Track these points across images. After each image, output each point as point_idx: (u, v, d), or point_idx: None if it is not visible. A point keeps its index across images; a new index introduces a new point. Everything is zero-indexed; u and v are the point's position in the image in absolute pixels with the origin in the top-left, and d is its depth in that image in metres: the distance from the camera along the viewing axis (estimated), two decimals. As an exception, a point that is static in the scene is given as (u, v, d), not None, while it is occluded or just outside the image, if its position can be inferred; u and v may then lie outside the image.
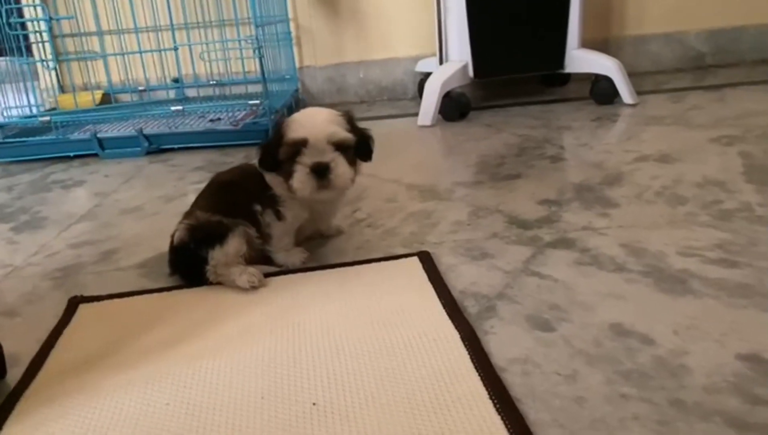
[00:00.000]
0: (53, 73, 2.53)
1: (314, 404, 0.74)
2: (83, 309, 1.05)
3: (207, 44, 2.49)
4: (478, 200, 1.35)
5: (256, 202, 1.10)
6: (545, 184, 1.41)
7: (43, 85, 2.62)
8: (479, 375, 0.76)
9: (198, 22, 2.49)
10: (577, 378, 0.74)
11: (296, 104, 2.39)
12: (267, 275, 1.07)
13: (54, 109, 2.47)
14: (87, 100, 2.43)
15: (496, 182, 1.45)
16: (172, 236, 1.10)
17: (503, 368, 0.77)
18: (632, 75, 2.08)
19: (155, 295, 1.08)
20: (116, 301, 1.07)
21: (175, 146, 2.11)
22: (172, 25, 2.22)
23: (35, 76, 2.59)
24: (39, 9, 2.39)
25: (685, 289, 0.91)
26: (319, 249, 1.19)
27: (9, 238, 1.43)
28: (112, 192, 1.72)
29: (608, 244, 1.07)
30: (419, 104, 2.11)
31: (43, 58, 2.42)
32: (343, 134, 1.02)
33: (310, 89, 2.62)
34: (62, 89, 2.65)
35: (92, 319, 1.01)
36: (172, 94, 2.59)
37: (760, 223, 1.09)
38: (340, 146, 1.01)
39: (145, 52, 2.37)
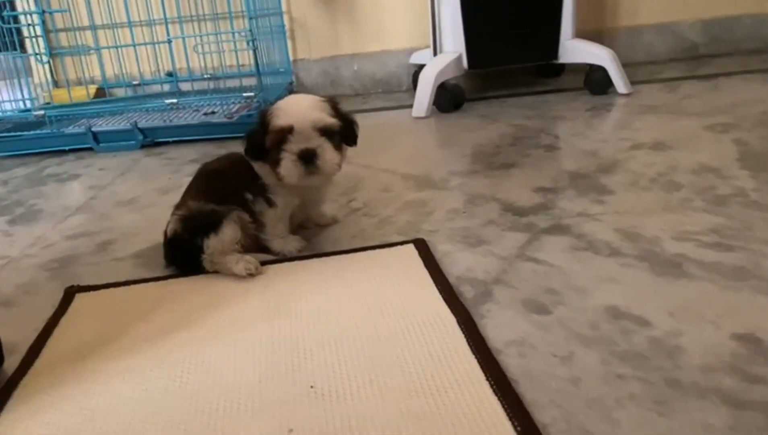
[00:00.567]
0: (47, 66, 2.52)
1: (312, 387, 0.74)
2: (80, 298, 1.05)
3: (201, 36, 2.49)
4: (474, 189, 1.35)
5: (246, 190, 1.10)
6: (540, 172, 1.41)
7: (36, 80, 2.61)
8: (476, 358, 0.76)
9: (192, 16, 2.48)
10: (573, 359, 0.74)
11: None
12: (263, 263, 1.07)
13: (48, 103, 2.46)
14: (81, 94, 2.43)
15: (492, 171, 1.46)
16: (166, 229, 1.10)
17: (500, 350, 0.78)
18: (626, 65, 2.08)
19: (152, 284, 1.08)
20: (113, 290, 1.07)
21: (170, 139, 2.11)
22: (165, 18, 2.22)
23: (29, 71, 2.58)
24: (32, 2, 2.38)
25: (681, 272, 0.92)
26: (314, 238, 1.19)
27: (5, 231, 1.43)
28: (108, 185, 1.72)
29: (603, 229, 1.08)
30: (414, 96, 2.11)
31: (37, 52, 2.41)
32: (329, 120, 1.02)
33: (305, 82, 2.62)
34: (56, 84, 2.64)
35: (89, 308, 1.01)
36: (166, 88, 2.58)
37: (755, 207, 1.10)
38: (325, 132, 1.01)
39: (139, 45, 2.36)
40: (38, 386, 0.81)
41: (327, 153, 1.02)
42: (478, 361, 0.75)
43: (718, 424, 0.62)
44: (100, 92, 2.54)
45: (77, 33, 2.51)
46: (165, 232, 1.11)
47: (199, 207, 1.08)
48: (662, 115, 1.77)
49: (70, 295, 1.06)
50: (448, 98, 2.07)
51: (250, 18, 1.96)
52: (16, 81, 2.30)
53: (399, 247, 1.10)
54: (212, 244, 1.04)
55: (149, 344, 0.88)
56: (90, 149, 2.13)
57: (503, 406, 0.67)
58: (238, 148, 1.13)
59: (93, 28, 2.37)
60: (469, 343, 0.79)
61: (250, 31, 1.96)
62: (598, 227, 1.09)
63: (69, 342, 0.91)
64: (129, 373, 0.81)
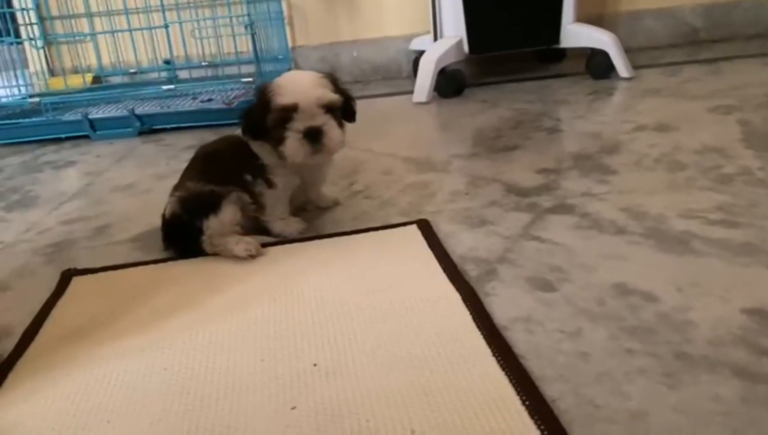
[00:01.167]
0: (42, 52, 2.50)
1: (315, 365, 0.73)
2: (77, 281, 1.03)
3: (198, 21, 2.46)
4: (476, 171, 1.33)
5: (245, 172, 1.08)
6: (543, 154, 1.40)
7: (32, 69, 2.58)
8: (481, 334, 0.75)
9: (189, 1, 2.45)
10: (581, 335, 0.73)
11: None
12: (264, 245, 1.06)
13: (44, 92, 2.44)
14: (78, 82, 2.41)
15: (494, 154, 1.44)
16: (164, 212, 1.09)
17: (505, 327, 0.76)
18: (627, 51, 2.06)
19: (150, 266, 1.06)
20: (110, 273, 1.05)
21: (168, 126, 2.09)
22: (162, 4, 2.19)
23: (24, 62, 2.56)
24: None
25: (687, 249, 0.90)
26: (315, 220, 1.17)
27: (0, 217, 1.41)
28: (104, 171, 1.70)
29: (608, 208, 1.06)
30: (414, 83, 2.09)
31: (31, 37, 2.39)
32: (332, 96, 1.00)
33: (303, 69, 2.59)
34: (52, 73, 2.62)
35: (86, 290, 1.00)
36: (163, 76, 2.56)
37: (761, 185, 1.08)
38: (329, 108, 1.00)
39: (135, 30, 2.34)
40: (34, 368, 0.80)
41: (332, 130, 1.00)
42: (484, 337, 0.74)
43: (729, 396, 0.61)
44: (97, 81, 2.52)
45: (73, 20, 2.48)
46: (163, 215, 1.09)
47: (198, 188, 1.06)
48: (664, 98, 1.75)
49: (66, 278, 1.04)
50: (448, 83, 2.05)
51: (248, 2, 1.94)
52: (11, 70, 2.28)
53: (401, 227, 1.09)
54: (212, 225, 1.03)
55: (148, 326, 0.86)
56: (86, 137, 2.11)
57: (510, 381, 0.66)
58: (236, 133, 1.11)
59: (89, 15, 2.34)
60: (474, 320, 0.78)
61: (248, 15, 1.94)
62: (602, 206, 1.07)
63: (66, 324, 0.90)
64: (127, 354, 0.80)
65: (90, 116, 2.09)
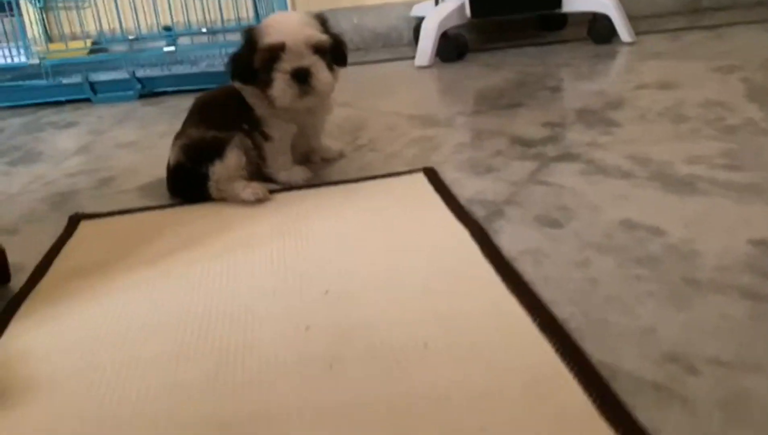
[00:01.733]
0: (40, 15, 2.48)
1: (327, 292, 0.73)
2: (85, 225, 1.04)
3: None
4: (480, 125, 1.34)
5: (243, 120, 1.06)
6: (547, 110, 1.40)
7: (30, 35, 2.56)
8: (490, 264, 0.76)
9: (189, -35, 2.43)
10: (589, 264, 0.74)
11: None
12: (271, 192, 1.06)
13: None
14: (78, 46, 2.39)
15: (498, 111, 1.44)
16: (169, 161, 1.09)
17: (514, 259, 0.77)
18: (629, 18, 2.06)
19: (157, 211, 1.07)
20: (118, 217, 1.06)
21: (169, 89, 2.08)
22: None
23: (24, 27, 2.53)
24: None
25: (693, 189, 0.91)
26: (321, 171, 1.17)
27: (4, 171, 1.41)
28: (106, 130, 1.70)
29: (613, 156, 1.07)
30: (415, 50, 2.08)
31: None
32: (321, 36, 0.98)
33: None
34: (50, 39, 2.59)
35: (94, 233, 1.00)
36: (164, 43, 2.54)
37: (765, 134, 1.09)
38: (318, 49, 0.97)
39: (136, -7, 2.31)
40: (46, 300, 0.80)
41: (321, 71, 0.97)
42: (493, 267, 0.75)
43: (737, 314, 0.62)
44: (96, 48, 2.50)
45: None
46: (168, 164, 1.09)
47: (200, 134, 1.06)
48: (667, 61, 1.75)
49: (74, 222, 1.05)
50: (450, 47, 2.04)
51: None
52: (11, 33, 2.26)
53: (408, 175, 1.09)
54: (218, 170, 1.03)
55: (158, 261, 0.87)
56: (87, 100, 2.10)
57: (520, 304, 0.67)
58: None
59: (88, -22, 2.32)
60: (483, 253, 0.79)
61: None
62: (608, 154, 1.08)
63: (76, 261, 0.90)
64: (140, 284, 0.81)
65: (91, 79, 2.08)
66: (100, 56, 2.25)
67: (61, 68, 2.20)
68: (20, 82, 2.09)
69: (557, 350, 0.58)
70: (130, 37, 2.52)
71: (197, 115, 1.11)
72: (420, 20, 2.20)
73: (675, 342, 0.59)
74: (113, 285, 0.82)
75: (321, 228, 0.91)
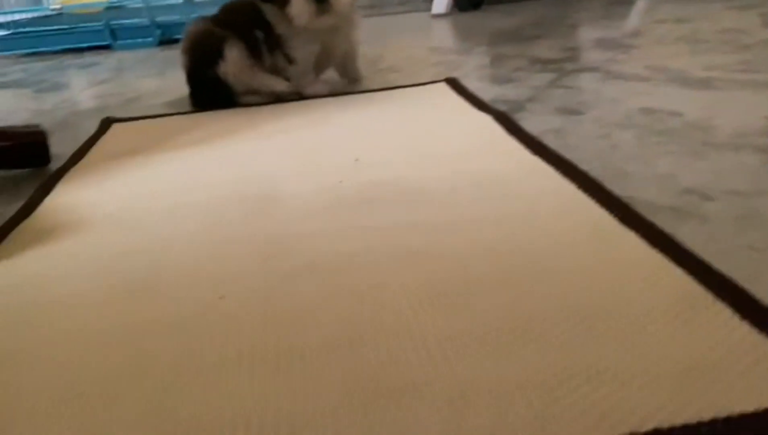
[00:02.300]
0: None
1: (357, 160, 0.76)
2: (116, 126, 1.07)
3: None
4: (499, 52, 1.36)
5: (256, 27, 1.08)
6: (566, 39, 1.42)
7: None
8: (514, 138, 0.78)
9: None
10: (610, 137, 0.77)
11: None
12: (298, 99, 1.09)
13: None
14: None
15: (516, 42, 1.47)
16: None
17: (537, 136, 0.79)
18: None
19: (186, 115, 1.10)
20: (148, 120, 1.09)
21: (189, 35, 2.09)
22: None
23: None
24: None
25: (710, 86, 0.94)
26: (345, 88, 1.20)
27: (33, 96, 1.45)
28: (128, 68, 1.73)
29: (631, 67, 1.09)
30: (430, 4, 2.10)
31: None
32: None
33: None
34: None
35: (127, 131, 1.04)
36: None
37: (781, 49, 1.11)
38: None
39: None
40: (86, 172, 0.84)
41: None
42: (518, 140, 0.77)
43: (751, 163, 0.65)
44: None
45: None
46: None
47: (196, 30, 1.10)
48: (685, 4, 1.77)
49: (106, 124, 1.08)
50: (467, -5, 2.06)
51: None
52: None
53: (430, 84, 1.11)
54: (225, 69, 1.06)
55: (189, 147, 0.90)
56: (107, 47, 2.13)
57: (544, 161, 0.69)
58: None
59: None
60: (507, 131, 0.81)
61: None
62: (626, 67, 1.10)
63: (111, 148, 0.94)
64: (170, 161, 0.84)
65: (111, 24, 2.11)
66: (119, 1, 2.27)
67: (82, 17, 2.23)
68: (41, 28, 2.12)
69: (579, 187, 0.61)
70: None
71: (215, 16, 1.14)
72: (436, -27, 2.21)
73: (692, 181, 0.61)
74: (151, 159, 0.85)
75: (349, 119, 0.94)
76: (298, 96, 1.08)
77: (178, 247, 0.57)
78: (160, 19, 2.11)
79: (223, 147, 0.88)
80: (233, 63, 1.05)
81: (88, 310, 0.48)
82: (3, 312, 0.49)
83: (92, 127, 1.08)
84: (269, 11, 1.05)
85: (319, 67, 1.15)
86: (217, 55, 1.05)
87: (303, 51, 1.08)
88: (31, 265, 0.57)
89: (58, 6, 2.20)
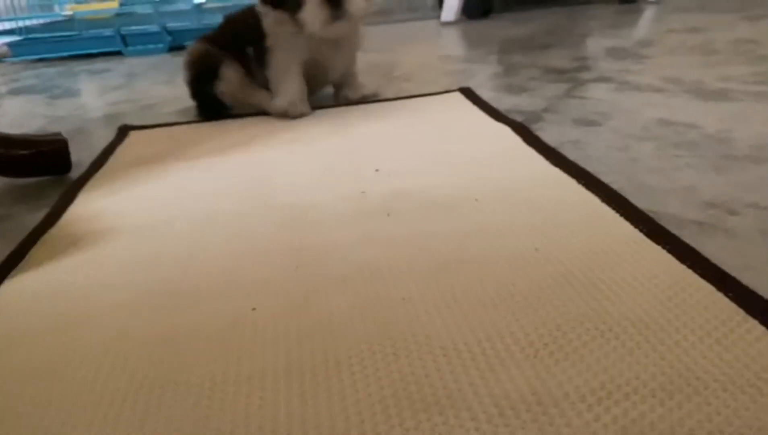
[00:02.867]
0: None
1: (377, 170, 0.77)
2: (134, 134, 1.07)
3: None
4: (512, 61, 1.37)
5: (248, 43, 1.07)
6: (577, 49, 1.43)
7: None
8: (533, 148, 0.79)
9: None
10: (630, 149, 0.77)
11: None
12: (315, 108, 1.09)
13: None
14: (108, 7, 2.43)
15: (528, 50, 1.47)
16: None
17: (557, 147, 0.80)
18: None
19: (204, 124, 1.10)
20: (165, 128, 1.10)
21: (200, 41, 2.10)
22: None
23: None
24: None
25: (726, 98, 0.94)
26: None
27: (47, 102, 1.45)
28: (141, 73, 1.74)
29: (646, 78, 1.10)
30: (439, 12, 2.11)
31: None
32: None
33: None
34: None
35: (145, 138, 1.04)
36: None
37: (796, 61, 1.11)
38: None
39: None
40: (107, 179, 0.85)
41: None
42: (536, 150, 0.78)
43: (775, 177, 0.65)
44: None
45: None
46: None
47: (195, 50, 1.12)
48: (695, 13, 1.78)
49: (123, 131, 1.08)
50: (477, 4, 2.07)
51: None
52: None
53: (445, 94, 1.12)
54: (222, 88, 1.08)
55: (211, 153, 0.90)
56: (117, 54, 2.14)
57: (566, 172, 0.70)
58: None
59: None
60: (525, 142, 0.82)
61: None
62: (640, 77, 1.11)
63: (130, 155, 0.94)
64: (193, 167, 0.85)
65: (122, 31, 2.12)
66: (132, 7, 2.28)
67: (93, 23, 2.24)
68: (52, 34, 2.13)
69: (603, 200, 0.61)
70: (158, -1, 2.55)
71: (214, 31, 1.15)
72: (445, -19, 2.22)
73: (715, 194, 0.62)
74: (173, 167, 0.86)
75: (366, 129, 0.95)
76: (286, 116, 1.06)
77: (205, 257, 0.58)
78: (170, 25, 2.12)
79: (243, 156, 0.88)
80: (228, 83, 1.07)
81: (119, 322, 0.48)
82: (36, 322, 0.49)
83: (108, 134, 1.09)
84: (271, 19, 1.01)
85: (314, 85, 1.10)
86: (214, 75, 1.07)
87: (284, 61, 1.04)
88: (61, 274, 0.57)
89: (69, 12, 2.21)
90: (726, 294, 0.44)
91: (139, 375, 0.42)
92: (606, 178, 0.68)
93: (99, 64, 2.02)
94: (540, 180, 0.68)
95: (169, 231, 0.65)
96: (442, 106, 1.04)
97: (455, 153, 0.80)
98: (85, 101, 1.42)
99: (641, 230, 0.55)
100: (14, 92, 1.62)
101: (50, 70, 1.97)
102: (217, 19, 2.17)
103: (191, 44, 1.15)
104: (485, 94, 1.10)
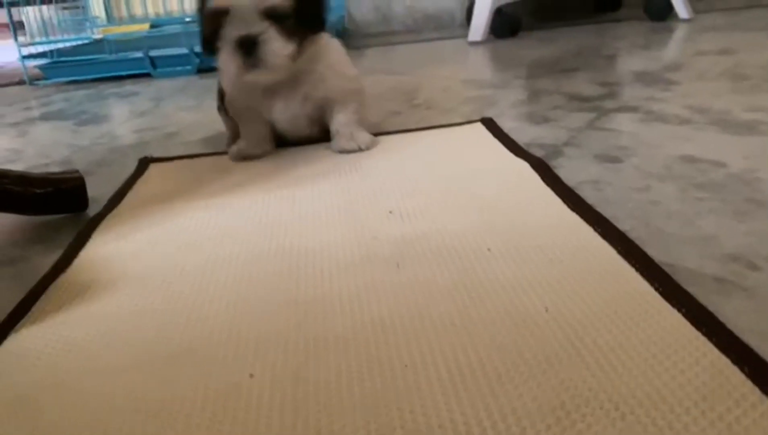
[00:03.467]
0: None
1: (390, 212, 0.76)
2: (154, 167, 1.08)
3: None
4: (536, 86, 1.35)
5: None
6: (604, 73, 1.40)
7: (94, 13, 2.66)
8: (551, 189, 0.77)
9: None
10: (650, 190, 0.75)
11: (342, 34, 2.39)
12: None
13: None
14: (138, 29, 2.47)
15: (554, 74, 1.45)
16: None
17: (575, 187, 0.78)
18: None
19: (224, 156, 1.10)
20: (186, 161, 1.10)
21: (227, 63, 2.12)
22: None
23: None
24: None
25: (753, 131, 0.91)
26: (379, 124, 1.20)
27: (73, 129, 1.48)
28: (168, 97, 1.76)
29: (672, 107, 1.07)
30: (467, 30, 2.09)
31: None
32: None
33: (355, 18, 2.62)
34: (109, 21, 2.69)
35: (165, 172, 1.05)
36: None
37: (830, 89, 1.08)
38: (272, 14, 0.83)
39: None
40: (122, 219, 0.85)
41: (273, 42, 0.84)
42: (554, 191, 0.76)
43: (802, 226, 0.62)
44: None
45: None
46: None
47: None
48: (726, 32, 1.74)
49: (144, 163, 1.09)
50: (504, 23, 2.05)
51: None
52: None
53: (466, 125, 1.11)
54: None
55: (227, 192, 0.90)
56: (146, 76, 2.18)
57: (582, 218, 0.68)
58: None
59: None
60: (544, 180, 0.80)
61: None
62: (666, 106, 1.08)
63: (148, 191, 0.95)
64: (208, 207, 0.84)
65: (151, 54, 2.15)
66: (160, 30, 2.31)
67: (123, 45, 2.28)
68: (83, 57, 2.17)
69: (619, 252, 0.59)
70: (186, 19, 2.59)
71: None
72: (472, 1, 2.21)
73: (736, 246, 0.59)
74: (188, 206, 0.86)
75: (381, 163, 0.94)
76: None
77: (208, 312, 0.57)
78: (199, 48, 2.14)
79: (257, 193, 0.88)
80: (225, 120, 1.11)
81: (116, 383, 0.48)
82: (40, 379, 0.49)
83: (130, 165, 1.10)
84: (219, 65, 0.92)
85: (296, 127, 1.04)
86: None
87: (237, 108, 1.03)
88: (66, 328, 0.57)
89: (99, 36, 2.25)
90: (742, 368, 0.42)
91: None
92: (624, 225, 0.66)
93: (128, 87, 2.05)
94: (556, 228, 0.66)
95: (179, 279, 0.64)
96: (462, 138, 1.03)
97: (472, 194, 0.78)
98: (110, 128, 1.44)
99: (656, 289, 0.52)
100: (45, 117, 1.65)
101: (80, 93, 2.01)
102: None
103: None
104: (507, 124, 1.08)
